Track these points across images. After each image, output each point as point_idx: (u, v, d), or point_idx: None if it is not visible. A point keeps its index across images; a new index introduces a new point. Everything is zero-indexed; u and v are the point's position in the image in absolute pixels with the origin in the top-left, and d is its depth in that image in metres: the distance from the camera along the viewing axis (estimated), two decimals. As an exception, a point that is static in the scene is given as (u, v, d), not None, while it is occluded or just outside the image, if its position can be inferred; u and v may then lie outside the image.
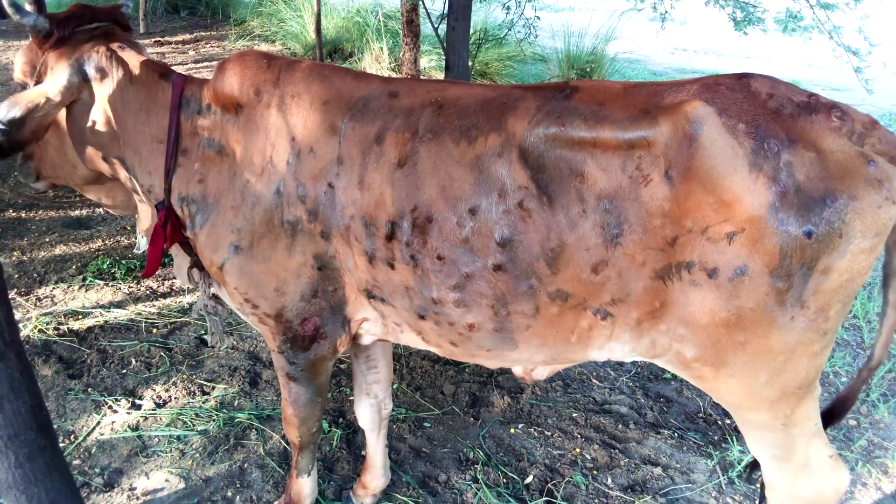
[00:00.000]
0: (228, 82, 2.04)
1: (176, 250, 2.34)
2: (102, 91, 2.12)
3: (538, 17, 5.88)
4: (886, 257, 1.79)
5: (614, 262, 1.72)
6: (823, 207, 1.56)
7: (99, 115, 2.14)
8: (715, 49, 13.25)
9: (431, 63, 9.35)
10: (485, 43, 8.05)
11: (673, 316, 1.76)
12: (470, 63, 5.44)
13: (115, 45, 2.15)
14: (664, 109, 1.67)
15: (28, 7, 6.55)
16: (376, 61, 9.52)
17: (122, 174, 2.25)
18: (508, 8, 5.74)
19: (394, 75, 9.09)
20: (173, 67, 2.16)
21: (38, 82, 2.13)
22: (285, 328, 2.11)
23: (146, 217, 2.32)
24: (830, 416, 2.04)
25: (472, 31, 7.97)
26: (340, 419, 3.18)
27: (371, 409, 2.59)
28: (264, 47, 10.85)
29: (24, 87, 2.20)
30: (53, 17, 2.14)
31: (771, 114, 1.64)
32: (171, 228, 2.14)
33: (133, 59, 2.15)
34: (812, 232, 1.57)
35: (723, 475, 2.94)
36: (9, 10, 2.00)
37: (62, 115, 2.18)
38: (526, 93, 1.84)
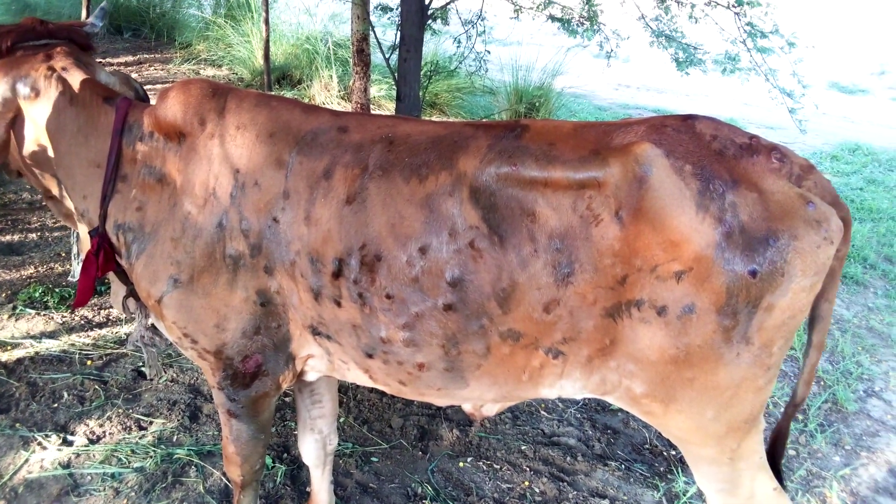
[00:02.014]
0: (171, 110, 1.99)
1: (113, 278, 2.25)
2: (35, 110, 2.06)
3: (489, 52, 5.99)
4: (816, 300, 1.84)
5: (566, 300, 1.72)
6: (767, 247, 1.60)
7: (30, 133, 2.09)
8: (657, 86, 13.75)
9: (381, 92, 9.40)
10: (436, 75, 8.13)
11: (623, 353, 1.77)
12: (421, 94, 5.49)
13: (59, 65, 2.08)
14: (614, 150, 1.69)
15: None
16: (325, 89, 9.50)
17: (59, 192, 2.18)
18: (459, 41, 5.83)
19: (343, 103, 9.08)
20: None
21: None
22: (226, 365, 2.04)
23: (86, 240, 2.23)
24: (772, 456, 2.07)
25: (422, 62, 8.06)
26: (285, 454, 3.08)
27: (316, 445, 2.52)
28: (210, 72, 10.71)
29: None
30: None
31: (715, 155, 1.68)
32: (104, 257, 2.05)
33: (76, 81, 2.08)
34: (757, 271, 1.60)
35: (669, 507, 2.97)
36: None
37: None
38: (477, 131, 1.84)
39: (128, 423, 3.16)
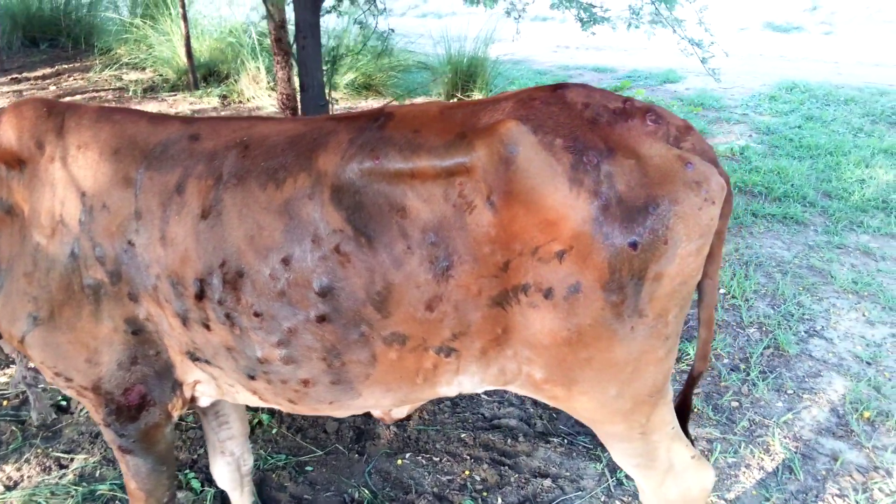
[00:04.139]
0: (6, 136, 1.83)
1: None
2: None
3: (392, 30, 5.81)
4: (701, 279, 1.78)
5: (448, 295, 1.63)
6: (646, 216, 1.52)
7: None
8: (595, 44, 13.64)
9: (311, 80, 9.12)
10: (340, 59, 7.93)
11: (517, 340, 1.70)
12: (327, 81, 5.31)
13: None
14: (479, 132, 1.59)
15: None
16: (254, 81, 9.25)
17: None
18: (361, 23, 5.63)
19: (274, 94, 8.81)
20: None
21: None
22: (107, 400, 1.91)
23: None
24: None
25: (333, 47, 7.83)
26: (215, 475, 2.96)
27: (229, 468, 2.41)
28: (134, 76, 10.36)
29: None
30: None
31: (588, 124, 1.59)
32: None
33: None
34: (637, 242, 1.53)
35: (611, 477, 2.93)
36: None
37: None
38: (339, 125, 1.72)
39: (47, 464, 3.01)
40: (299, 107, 5.25)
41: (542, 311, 1.62)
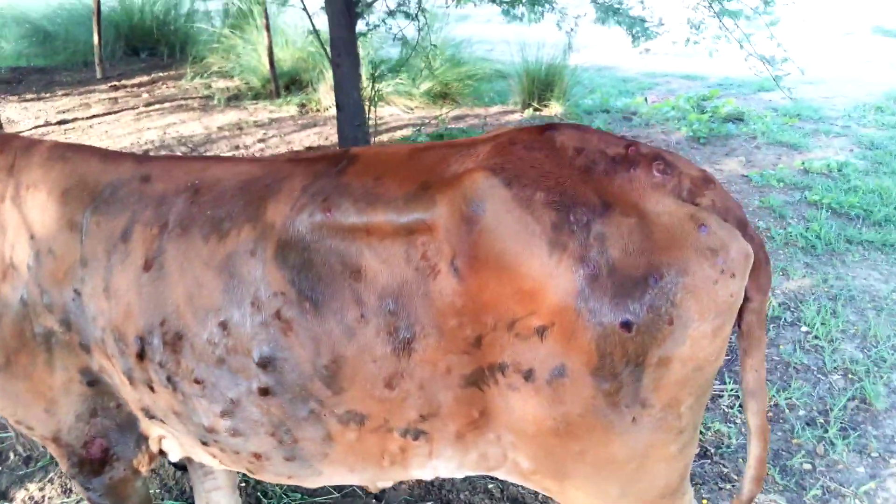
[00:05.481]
0: None
1: None
2: None
3: (435, 46, 5.64)
4: (741, 373, 1.48)
5: (411, 372, 1.42)
6: (645, 289, 1.25)
7: None
8: (686, 51, 12.93)
9: (389, 88, 9.07)
10: (382, 77, 7.86)
11: (498, 424, 1.46)
12: (372, 97, 5.15)
13: None
14: (444, 183, 1.36)
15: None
16: (332, 90, 9.29)
17: None
18: (402, 39, 5.45)
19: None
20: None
21: None
22: (68, 452, 1.81)
23: None
24: None
25: (379, 61, 7.75)
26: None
27: (214, 521, 2.28)
28: (222, 84, 10.68)
29: None
30: None
31: (580, 174, 1.33)
32: None
33: None
34: (631, 322, 1.26)
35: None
36: None
37: None
38: (296, 168, 1.54)
39: (67, 485, 3.01)
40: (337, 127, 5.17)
41: (523, 394, 1.38)
